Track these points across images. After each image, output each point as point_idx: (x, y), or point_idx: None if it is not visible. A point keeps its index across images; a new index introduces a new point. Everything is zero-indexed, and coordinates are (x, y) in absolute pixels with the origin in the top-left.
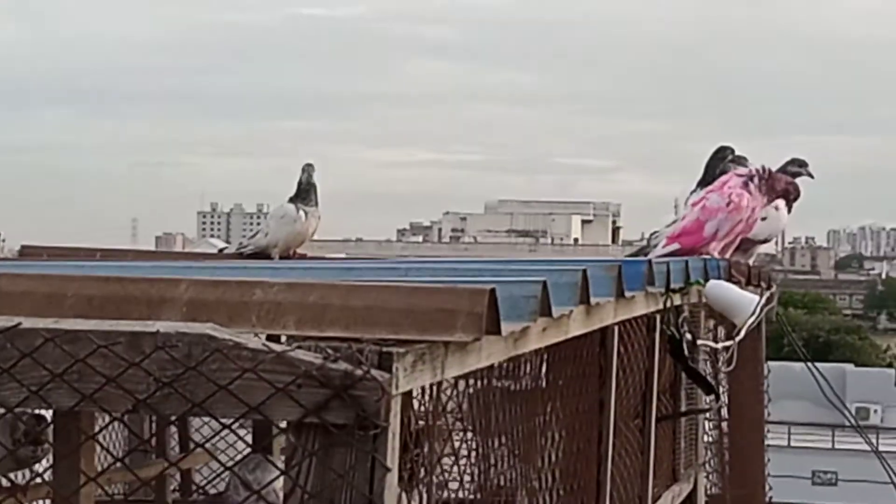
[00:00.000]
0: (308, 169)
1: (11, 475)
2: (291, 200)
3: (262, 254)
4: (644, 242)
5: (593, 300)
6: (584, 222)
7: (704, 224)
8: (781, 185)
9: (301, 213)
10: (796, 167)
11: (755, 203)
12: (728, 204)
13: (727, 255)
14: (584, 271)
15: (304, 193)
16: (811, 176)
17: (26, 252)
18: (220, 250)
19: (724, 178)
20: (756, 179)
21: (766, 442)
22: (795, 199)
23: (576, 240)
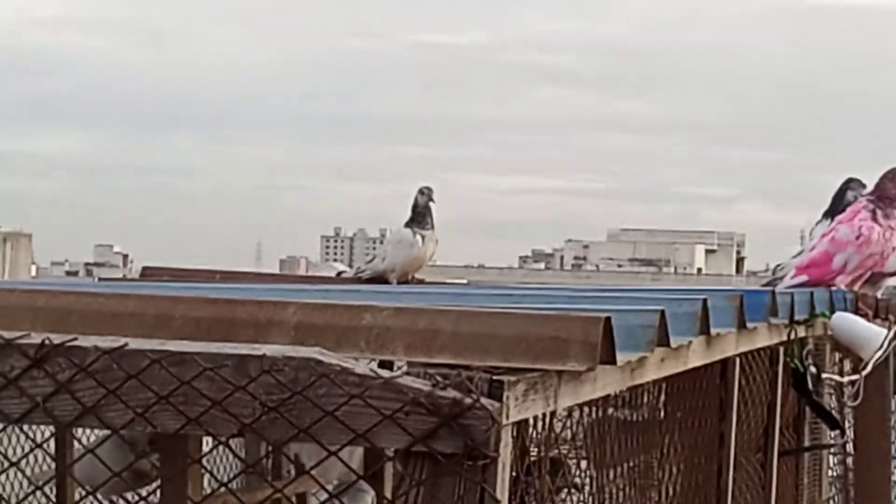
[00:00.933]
0: (428, 192)
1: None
2: (407, 224)
3: (379, 278)
4: (769, 274)
5: (713, 331)
6: (707, 252)
7: (833, 256)
8: (891, 190)
9: (418, 237)
10: None
11: (889, 234)
12: (858, 237)
13: (855, 288)
14: (705, 301)
15: (420, 217)
16: None
17: (147, 273)
18: (338, 274)
19: (854, 207)
20: (880, 205)
21: (894, 479)
22: None
23: (699, 269)
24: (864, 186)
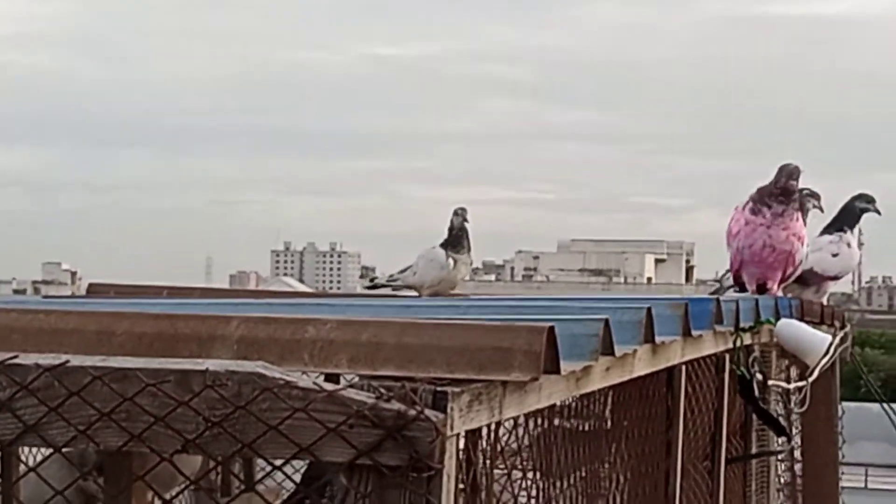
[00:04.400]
0: (462, 213)
1: None
2: (443, 245)
3: (410, 290)
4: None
5: (658, 339)
6: (657, 261)
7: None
8: (779, 184)
9: (450, 260)
10: (864, 203)
11: (756, 227)
12: (728, 231)
13: (776, 291)
14: (649, 309)
15: (456, 240)
16: (878, 212)
17: (93, 290)
18: (372, 279)
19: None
20: (759, 200)
21: (843, 484)
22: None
23: (649, 279)
24: (812, 194)
